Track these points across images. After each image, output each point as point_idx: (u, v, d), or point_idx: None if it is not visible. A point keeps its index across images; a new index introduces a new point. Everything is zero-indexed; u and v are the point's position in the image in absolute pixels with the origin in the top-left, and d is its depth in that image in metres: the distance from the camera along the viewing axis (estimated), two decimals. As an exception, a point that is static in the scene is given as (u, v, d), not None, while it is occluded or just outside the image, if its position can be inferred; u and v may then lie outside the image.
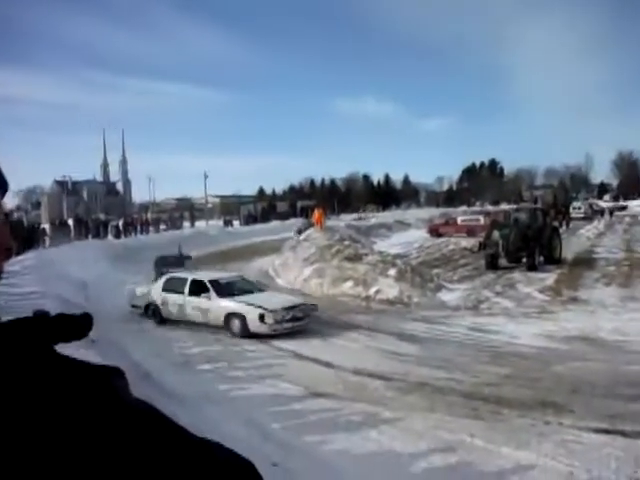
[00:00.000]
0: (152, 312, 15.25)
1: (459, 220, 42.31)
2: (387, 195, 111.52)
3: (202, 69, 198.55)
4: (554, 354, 10.98)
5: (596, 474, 6.11)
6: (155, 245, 29.17)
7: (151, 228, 47.70)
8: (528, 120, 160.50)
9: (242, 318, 13.29)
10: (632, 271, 21.71)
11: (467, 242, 31.93)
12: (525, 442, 6.94)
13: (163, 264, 19.57)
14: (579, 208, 58.96)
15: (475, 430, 7.34)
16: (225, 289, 14.56)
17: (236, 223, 59.06)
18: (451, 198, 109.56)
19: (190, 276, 15.25)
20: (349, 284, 18.32)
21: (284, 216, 61.78)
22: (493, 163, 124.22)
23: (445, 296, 17.66)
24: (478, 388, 9.14)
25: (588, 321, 13.59)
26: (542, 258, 23.11)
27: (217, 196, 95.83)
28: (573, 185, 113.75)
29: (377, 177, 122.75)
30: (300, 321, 13.50)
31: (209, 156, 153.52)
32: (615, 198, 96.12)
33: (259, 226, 51.75)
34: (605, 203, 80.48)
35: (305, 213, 59.28)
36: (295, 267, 21.99)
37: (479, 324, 13.86)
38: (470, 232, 37.25)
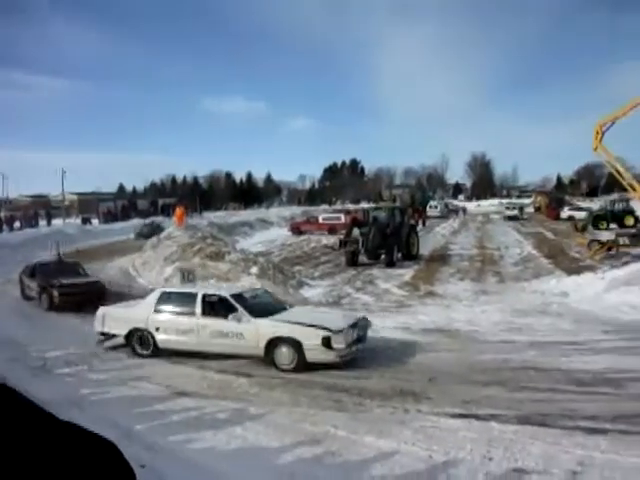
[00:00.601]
0: (139, 341, 11.44)
1: (320, 218, 42.97)
2: (249, 193, 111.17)
3: (60, 61, 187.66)
4: (412, 346, 11.28)
5: (453, 456, 6.29)
6: (9, 244, 27.54)
7: (4, 227, 45.05)
8: (390, 121, 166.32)
9: (296, 345, 10.01)
10: (484, 266, 22.95)
11: (328, 240, 32.44)
12: (386, 430, 7.05)
13: (44, 273, 16.91)
14: (435, 207, 61.74)
15: (339, 422, 7.36)
16: (256, 306, 11.06)
17: (95, 221, 56.60)
18: (313, 196, 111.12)
19: (200, 290, 11.57)
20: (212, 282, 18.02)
21: (145, 214, 59.92)
22: (354, 162, 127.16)
23: (307, 292, 17.79)
24: (340, 380, 9.20)
25: (444, 314, 14.14)
26: (400, 255, 23.88)
27: (75, 193, 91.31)
28: (430, 185, 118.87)
29: (240, 175, 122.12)
30: (361, 342, 10.61)
31: (67, 152, 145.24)
32: (468, 198, 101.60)
33: (119, 224, 49.80)
34: (460, 202, 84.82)
35: (167, 211, 57.99)
36: (157, 266, 21.35)
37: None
38: (331, 230, 37.98)
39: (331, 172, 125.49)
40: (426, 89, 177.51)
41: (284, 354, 10.05)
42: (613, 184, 38.63)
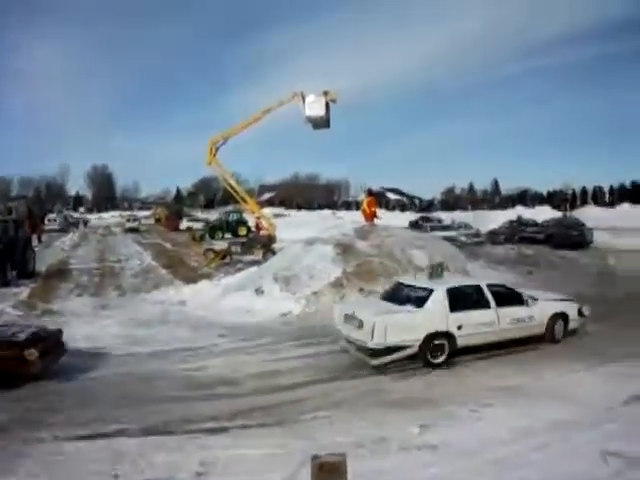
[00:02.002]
0: (437, 350, 10.28)
1: None
2: None
3: None
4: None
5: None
6: None
7: None
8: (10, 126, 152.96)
9: (564, 317, 11.90)
10: (104, 280, 22.56)
11: None
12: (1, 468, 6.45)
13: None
14: (54, 220, 58.60)
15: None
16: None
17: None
18: None
19: (479, 282, 11.58)
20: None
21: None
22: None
23: None
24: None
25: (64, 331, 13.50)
26: (15, 272, 22.16)
27: None
28: (49, 196, 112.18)
29: None
30: None
31: None
32: (89, 210, 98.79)
33: None
34: (81, 214, 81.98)
35: None
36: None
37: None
38: None
39: None
40: (50, 94, 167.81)
41: (558, 327, 11.76)
42: (229, 196, 41.24)
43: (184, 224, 55.34)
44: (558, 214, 41.97)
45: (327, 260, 16.97)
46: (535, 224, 36.27)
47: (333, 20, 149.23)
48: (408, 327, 10.16)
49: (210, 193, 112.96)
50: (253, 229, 32.78)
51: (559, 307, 12.01)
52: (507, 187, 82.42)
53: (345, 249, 17.52)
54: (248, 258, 26.17)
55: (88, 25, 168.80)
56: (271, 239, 27.66)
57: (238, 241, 30.90)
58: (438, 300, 10.51)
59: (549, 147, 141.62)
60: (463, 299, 10.82)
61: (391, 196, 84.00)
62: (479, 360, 10.64)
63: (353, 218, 39.17)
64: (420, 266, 16.94)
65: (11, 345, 9.38)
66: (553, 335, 11.73)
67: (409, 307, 10.62)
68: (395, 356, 10.00)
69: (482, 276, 17.43)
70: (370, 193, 24.63)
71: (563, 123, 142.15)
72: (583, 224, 34.03)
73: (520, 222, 37.48)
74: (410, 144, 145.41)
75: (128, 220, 59.93)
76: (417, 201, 70.15)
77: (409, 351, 10.10)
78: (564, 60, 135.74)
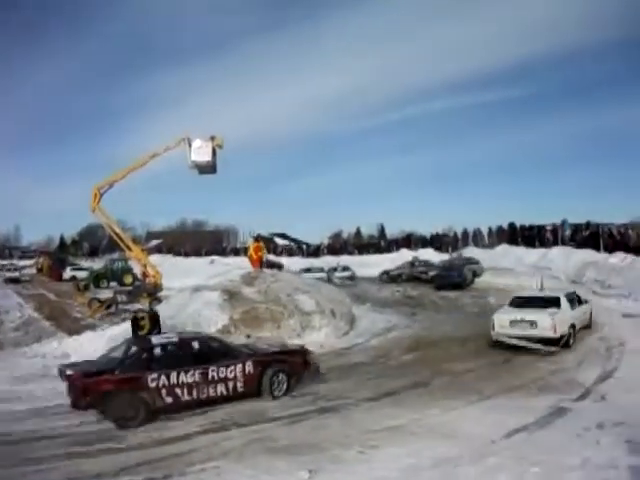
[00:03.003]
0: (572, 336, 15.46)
1: None
2: None
3: None
4: None
5: None
6: None
7: None
8: None
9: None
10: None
11: None
12: None
13: None
14: None
15: None
16: None
17: None
18: None
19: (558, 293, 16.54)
20: None
21: None
22: None
23: None
24: None
25: None
26: None
27: None
28: None
29: None
30: None
31: None
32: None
33: None
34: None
35: None
36: None
37: None
38: None
39: None
40: None
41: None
42: (114, 244, 40.32)
43: (68, 273, 53.41)
44: (444, 256, 43.57)
45: (213, 307, 17.05)
46: (426, 265, 37.47)
47: (222, 65, 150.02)
48: (564, 321, 15.00)
49: (95, 240, 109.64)
50: (140, 277, 32.22)
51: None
52: (392, 231, 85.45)
53: (232, 295, 17.67)
54: (134, 307, 25.68)
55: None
56: (157, 287, 27.27)
57: (124, 290, 30.24)
58: (565, 303, 15.62)
59: (433, 192, 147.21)
60: (571, 301, 16.12)
61: (279, 241, 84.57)
62: (364, 402, 10.96)
63: (242, 264, 39.27)
64: (307, 311, 17.34)
65: (298, 352, 12.40)
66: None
67: (551, 309, 15.31)
68: (561, 341, 14.72)
69: (369, 319, 18.12)
70: (257, 239, 24.92)
71: (444, 169, 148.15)
72: (473, 262, 35.69)
73: (415, 263, 38.70)
74: (299, 189, 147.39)
75: (8, 270, 57.15)
76: (304, 246, 70.95)
77: (565, 338, 14.81)
78: (443, 107, 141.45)
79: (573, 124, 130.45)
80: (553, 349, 14.47)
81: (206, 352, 11.04)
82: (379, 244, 62.38)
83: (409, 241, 56.32)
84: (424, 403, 10.61)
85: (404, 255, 46.62)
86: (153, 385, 10.19)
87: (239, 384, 11.12)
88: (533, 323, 14.95)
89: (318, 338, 17.19)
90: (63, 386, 10.48)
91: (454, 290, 29.42)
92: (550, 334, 14.66)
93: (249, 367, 11.24)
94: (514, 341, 15.10)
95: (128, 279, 40.96)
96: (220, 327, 16.20)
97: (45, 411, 11.11)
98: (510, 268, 34.70)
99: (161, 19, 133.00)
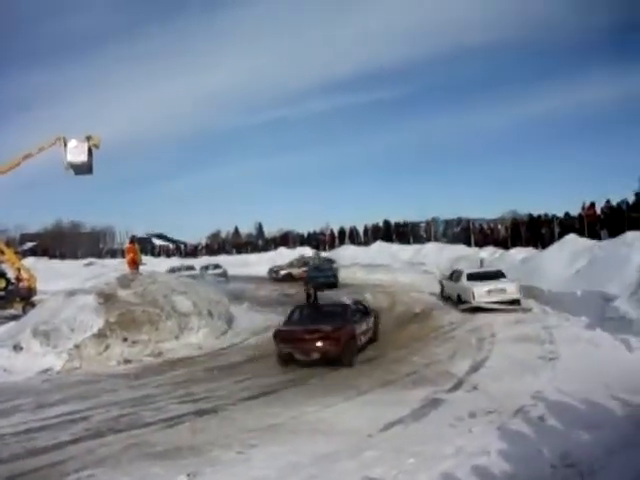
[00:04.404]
0: None
1: None
2: None
3: None
4: None
5: None
6: None
7: None
8: None
9: None
10: None
11: None
12: None
13: None
14: None
15: None
16: None
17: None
18: None
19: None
20: None
21: None
22: None
23: None
24: None
25: None
26: None
27: None
28: None
29: None
30: None
31: None
32: None
33: None
34: None
35: None
36: None
37: None
38: None
39: None
40: None
41: None
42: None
43: None
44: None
45: (89, 311, 16.46)
46: (305, 263, 37.77)
47: (103, 61, 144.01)
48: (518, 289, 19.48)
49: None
50: (13, 281, 30.52)
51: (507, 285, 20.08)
52: (271, 230, 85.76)
53: (107, 298, 17.14)
54: (7, 312, 24.42)
55: None
56: (31, 291, 26.04)
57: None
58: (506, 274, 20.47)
59: (309, 191, 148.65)
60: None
61: (157, 242, 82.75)
62: (243, 401, 10.98)
63: (119, 266, 38.13)
64: (184, 312, 17.13)
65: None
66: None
67: (503, 279, 20.11)
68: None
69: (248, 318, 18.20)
70: (132, 240, 24.31)
71: (321, 168, 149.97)
72: (332, 261, 36.58)
73: (303, 261, 38.93)
74: (177, 189, 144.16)
75: None
76: (182, 246, 69.82)
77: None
78: (321, 107, 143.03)
79: (441, 125, 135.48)
80: (517, 307, 19.07)
81: (362, 310, 15.76)
82: (257, 243, 62.42)
83: (287, 240, 56.70)
84: (302, 401, 10.72)
85: (283, 254, 46.97)
86: (357, 333, 14.24)
87: (370, 332, 15.55)
88: (503, 290, 19.41)
89: (196, 339, 17.06)
90: None
91: (330, 289, 29.50)
92: (516, 296, 19.35)
93: (373, 320, 16.04)
94: (492, 305, 19.14)
95: (1, 283, 38.66)
96: (96, 331, 15.65)
97: None
98: (386, 264, 35.76)
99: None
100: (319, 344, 13.06)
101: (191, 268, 40.32)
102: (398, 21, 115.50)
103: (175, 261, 52.44)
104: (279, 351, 13.83)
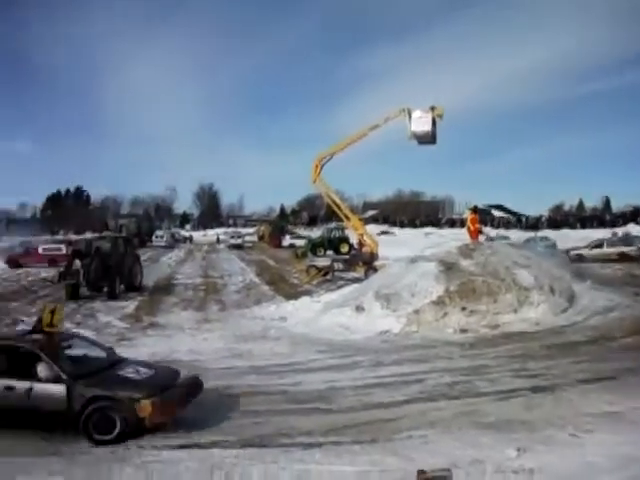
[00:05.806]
0: None
1: (40, 249, 39.94)
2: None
3: None
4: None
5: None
6: None
7: None
8: (115, 146, 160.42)
9: None
10: (207, 295, 23.19)
11: (48, 272, 30.41)
12: (105, 471, 6.74)
13: None
14: (161, 237, 60.95)
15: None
16: None
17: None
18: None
19: None
20: None
21: None
22: (79, 190, 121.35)
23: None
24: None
25: (165, 344, 13.93)
26: (123, 286, 23.15)
27: None
28: (158, 215, 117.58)
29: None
30: None
31: None
32: (195, 227, 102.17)
33: None
34: (187, 232, 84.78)
35: None
36: None
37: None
38: (52, 262, 35.61)
39: (54, 201, 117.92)
40: (156, 115, 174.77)
41: None
42: (332, 214, 41.47)
43: (287, 241, 56.12)
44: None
45: (429, 278, 16.64)
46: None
47: (437, 36, 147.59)
48: None
49: (314, 210, 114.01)
50: (355, 246, 32.74)
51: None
52: (619, 204, 79.09)
53: (448, 267, 17.14)
54: (350, 275, 26.19)
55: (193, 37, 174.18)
56: (373, 256, 27.52)
57: (340, 258, 31.01)
58: None
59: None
60: None
61: (496, 213, 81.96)
62: (583, 383, 10.04)
63: (457, 236, 38.45)
64: (525, 286, 16.41)
65: None
66: None
67: None
68: None
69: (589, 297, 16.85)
70: (474, 210, 24.10)
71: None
72: None
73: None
74: (513, 160, 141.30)
75: (232, 237, 61.30)
76: (523, 218, 67.80)
77: None
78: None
79: None
80: None
81: None
82: (603, 217, 57.96)
83: (637, 215, 51.55)
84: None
85: (632, 231, 42.90)
86: None
87: None
88: None
89: (535, 314, 16.19)
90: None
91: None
92: None
93: None
94: None
95: (344, 248, 42.05)
96: (435, 298, 15.80)
97: (262, 369, 11.59)
98: None
99: None
100: None
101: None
102: None
103: (516, 233, 51.12)
104: None
